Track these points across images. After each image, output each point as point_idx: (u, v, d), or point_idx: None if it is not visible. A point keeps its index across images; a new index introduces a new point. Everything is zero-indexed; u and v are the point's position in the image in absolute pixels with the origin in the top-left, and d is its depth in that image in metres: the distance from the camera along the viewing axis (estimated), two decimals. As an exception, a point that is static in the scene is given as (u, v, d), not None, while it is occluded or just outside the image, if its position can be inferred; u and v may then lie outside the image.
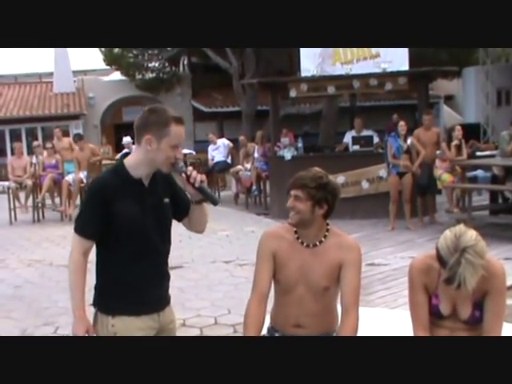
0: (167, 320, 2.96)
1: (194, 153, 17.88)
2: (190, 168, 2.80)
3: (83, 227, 2.79)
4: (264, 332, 3.11)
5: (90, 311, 2.90)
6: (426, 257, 2.88)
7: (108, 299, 2.84)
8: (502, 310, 2.82)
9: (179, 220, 2.99)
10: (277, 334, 3.07)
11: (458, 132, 10.22)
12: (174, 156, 2.73)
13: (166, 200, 2.87)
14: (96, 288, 2.89)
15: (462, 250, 2.55)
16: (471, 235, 2.60)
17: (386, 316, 3.85)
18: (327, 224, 3.03)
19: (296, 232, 3.02)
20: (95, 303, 2.89)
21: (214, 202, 2.85)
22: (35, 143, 14.42)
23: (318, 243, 2.98)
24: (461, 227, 2.65)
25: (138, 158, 2.78)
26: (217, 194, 14.57)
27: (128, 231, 2.77)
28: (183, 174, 2.78)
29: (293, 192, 2.93)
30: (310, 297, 2.96)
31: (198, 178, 2.77)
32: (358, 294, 2.97)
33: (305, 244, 2.99)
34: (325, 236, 3.00)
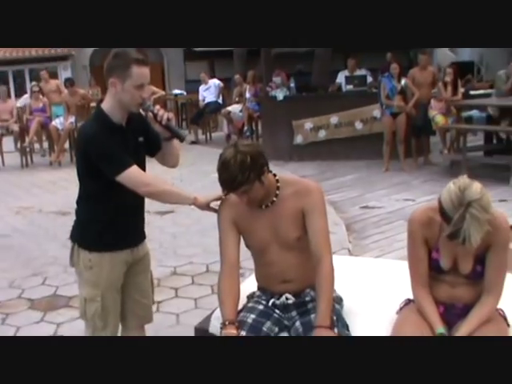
0: (141, 253, 3.13)
1: (185, 93, 17.59)
2: (158, 106, 2.93)
3: (124, 160, 2.82)
4: (254, 291, 3.06)
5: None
6: (427, 209, 2.74)
7: (87, 236, 2.99)
8: (505, 264, 2.70)
9: (152, 155, 3.12)
10: (265, 294, 2.99)
11: (448, 75, 10.06)
12: (140, 96, 2.82)
13: (141, 139, 3.00)
14: (76, 224, 3.05)
15: (467, 205, 2.40)
16: (476, 188, 2.45)
17: (376, 266, 3.76)
18: (274, 175, 2.89)
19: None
20: (74, 238, 3.03)
21: (181, 139, 3.02)
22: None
23: (274, 198, 2.86)
24: (465, 180, 2.50)
25: (111, 103, 2.88)
26: (208, 135, 14.43)
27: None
28: (150, 113, 2.91)
29: (236, 193, 2.76)
30: (287, 251, 2.87)
31: (165, 116, 2.90)
32: (327, 237, 2.84)
33: (263, 206, 2.87)
34: (278, 188, 2.87)
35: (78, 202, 3.03)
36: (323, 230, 2.83)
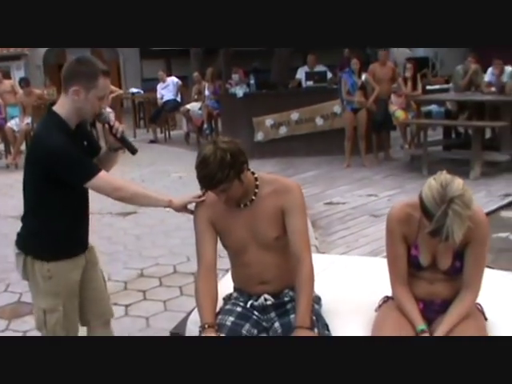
0: (91, 253, 3.11)
1: (141, 92, 17.39)
2: (113, 118, 2.97)
3: (92, 166, 2.81)
4: (230, 292, 3.00)
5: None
6: (405, 205, 2.71)
7: (43, 247, 2.89)
8: (483, 259, 2.70)
9: None
10: (243, 295, 2.93)
11: (408, 71, 10.24)
12: (99, 106, 2.82)
13: (85, 143, 2.98)
14: (28, 235, 2.94)
15: (450, 201, 2.37)
16: (458, 184, 2.43)
17: (349, 263, 3.74)
18: (253, 174, 2.82)
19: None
20: (27, 250, 2.92)
21: (134, 152, 2.98)
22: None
23: (253, 197, 2.79)
24: (446, 176, 2.48)
25: (68, 109, 2.81)
26: (167, 133, 14.31)
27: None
28: (106, 125, 2.91)
29: (215, 191, 2.69)
30: (265, 251, 2.80)
31: (120, 128, 2.92)
32: (307, 237, 2.80)
33: (241, 205, 2.80)
34: (256, 186, 2.80)
35: (28, 212, 2.93)
36: (303, 230, 2.77)
